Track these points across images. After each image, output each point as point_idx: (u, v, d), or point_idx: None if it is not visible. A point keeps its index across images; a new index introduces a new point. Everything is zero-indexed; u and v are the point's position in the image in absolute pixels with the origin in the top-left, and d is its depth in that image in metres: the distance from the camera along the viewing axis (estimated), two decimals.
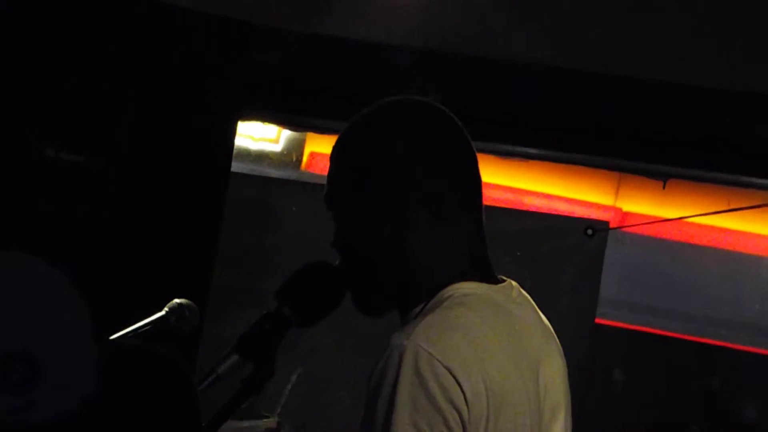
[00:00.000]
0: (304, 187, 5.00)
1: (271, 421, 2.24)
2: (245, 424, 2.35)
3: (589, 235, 4.61)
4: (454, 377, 1.85)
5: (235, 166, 4.45)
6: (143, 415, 1.37)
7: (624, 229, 5.46)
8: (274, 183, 5.12)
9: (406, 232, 2.01)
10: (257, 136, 5.30)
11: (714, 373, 6.09)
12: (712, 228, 5.68)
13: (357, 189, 2.05)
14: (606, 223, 4.88)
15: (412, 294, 2.01)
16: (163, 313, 2.91)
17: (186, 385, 1.45)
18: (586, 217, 5.18)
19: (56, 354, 1.32)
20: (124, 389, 1.39)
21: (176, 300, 2.96)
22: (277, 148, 5.45)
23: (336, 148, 2.12)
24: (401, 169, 2.02)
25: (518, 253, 4.56)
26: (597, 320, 4.92)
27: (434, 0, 4.03)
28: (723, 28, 3.93)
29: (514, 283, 2.09)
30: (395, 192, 2.01)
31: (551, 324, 2.14)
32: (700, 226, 5.64)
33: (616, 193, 5.67)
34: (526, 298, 2.10)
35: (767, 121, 3.99)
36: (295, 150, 5.51)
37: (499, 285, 2.05)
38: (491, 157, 4.36)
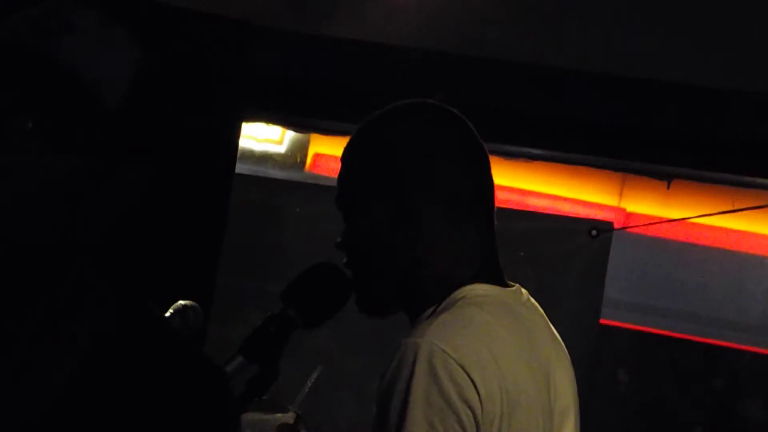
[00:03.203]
0: (308, 188, 5.00)
1: (289, 416, 2.23)
2: (264, 416, 2.33)
3: (593, 235, 4.61)
4: (469, 375, 1.84)
5: (239, 168, 4.45)
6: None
7: (628, 229, 5.45)
8: (278, 184, 5.12)
9: (422, 234, 2.01)
10: (261, 137, 5.30)
11: (718, 373, 6.09)
12: (716, 228, 5.68)
13: (372, 192, 2.04)
14: (610, 223, 4.88)
15: (423, 295, 2.01)
16: (167, 314, 2.91)
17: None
18: (590, 217, 5.18)
19: None
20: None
21: (180, 302, 2.95)
22: (281, 149, 5.45)
23: (349, 150, 2.11)
24: (419, 172, 2.02)
25: (522, 254, 4.56)
26: (601, 321, 4.91)
27: (436, 1, 4.03)
28: (728, 27, 3.92)
29: (523, 289, 2.09)
30: (412, 194, 2.01)
31: (556, 325, 2.14)
32: (704, 226, 5.64)
33: (620, 194, 5.67)
34: (535, 304, 2.10)
35: None
36: (299, 151, 5.51)
37: (510, 288, 2.05)
38: (495, 158, 4.32)
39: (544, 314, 2.12)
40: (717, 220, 5.46)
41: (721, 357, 5.99)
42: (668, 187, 4.47)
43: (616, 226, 4.98)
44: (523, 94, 4.09)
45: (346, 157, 2.11)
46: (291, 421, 2.27)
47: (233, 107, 4.19)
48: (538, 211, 5.34)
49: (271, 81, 4.18)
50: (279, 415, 2.43)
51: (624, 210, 5.67)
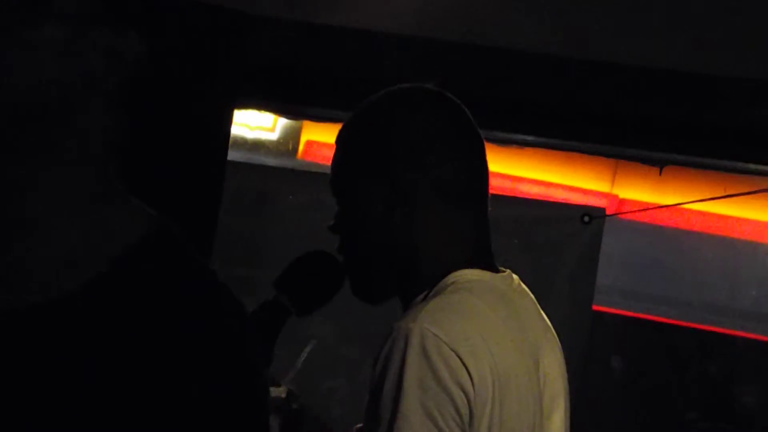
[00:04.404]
0: (300, 175, 4.99)
1: (280, 391, 2.22)
2: None
3: (585, 222, 4.61)
4: (461, 359, 1.84)
5: (232, 155, 4.44)
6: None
7: (621, 215, 5.46)
8: (271, 171, 5.11)
9: (415, 218, 2.01)
10: (253, 124, 5.30)
11: (711, 359, 6.10)
12: (708, 214, 5.69)
13: (368, 175, 2.04)
14: (603, 210, 4.88)
15: (416, 280, 2.01)
16: None
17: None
18: (582, 204, 5.18)
19: None
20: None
21: None
22: (273, 136, 5.45)
23: (344, 134, 2.11)
24: (414, 156, 2.02)
25: (515, 241, 4.55)
26: (594, 307, 4.91)
27: None
28: (718, 13, 3.92)
29: (514, 275, 2.09)
30: (408, 178, 2.01)
31: (548, 311, 2.14)
32: (696, 212, 5.65)
33: (613, 180, 5.68)
34: (526, 289, 2.10)
35: (764, 107, 3.99)
36: (291, 138, 5.51)
37: (501, 274, 2.05)
38: (487, 144, 4.33)
39: (535, 300, 2.12)
40: (709, 206, 5.47)
41: (714, 342, 6.01)
42: (660, 173, 4.47)
43: (608, 212, 4.98)
44: (515, 80, 4.08)
45: (340, 140, 2.11)
46: (282, 395, 2.26)
47: (225, 94, 4.18)
48: (530, 197, 5.35)
49: (264, 68, 4.17)
50: (270, 388, 2.42)
51: (616, 196, 5.68)
